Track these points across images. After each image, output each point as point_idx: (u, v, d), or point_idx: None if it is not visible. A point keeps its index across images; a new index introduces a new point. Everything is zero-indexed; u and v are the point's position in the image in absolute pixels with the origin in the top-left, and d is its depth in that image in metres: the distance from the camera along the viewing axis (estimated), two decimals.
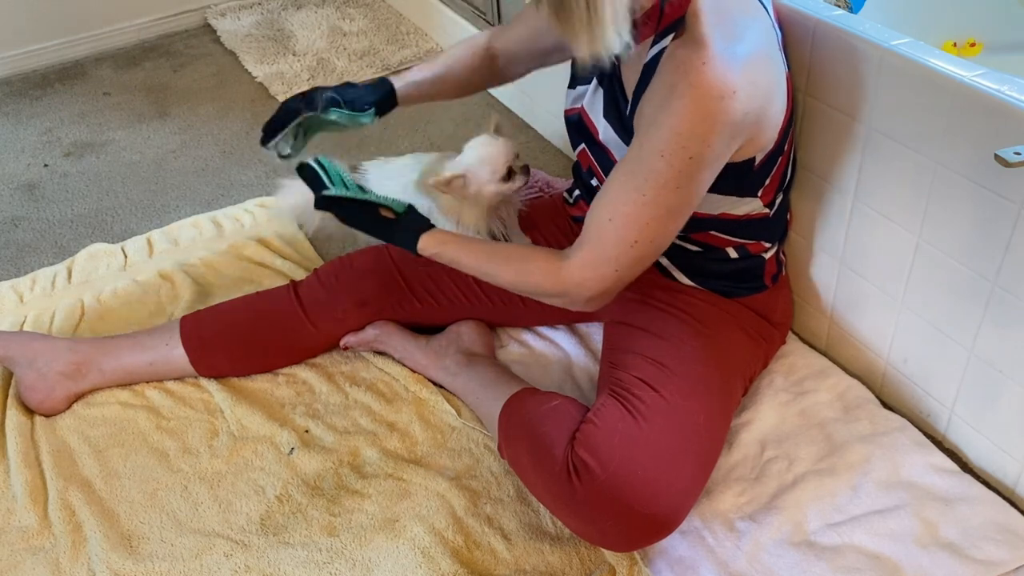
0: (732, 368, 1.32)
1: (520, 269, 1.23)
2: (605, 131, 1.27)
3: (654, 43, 1.14)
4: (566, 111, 1.36)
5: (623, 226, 1.13)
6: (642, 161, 1.11)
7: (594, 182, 1.36)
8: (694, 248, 1.32)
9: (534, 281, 1.22)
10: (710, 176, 1.12)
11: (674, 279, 1.36)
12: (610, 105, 1.25)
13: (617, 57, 1.21)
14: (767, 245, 1.35)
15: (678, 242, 1.31)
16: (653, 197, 1.11)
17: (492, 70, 1.49)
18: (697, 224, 1.26)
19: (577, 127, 1.34)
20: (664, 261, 1.34)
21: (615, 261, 1.16)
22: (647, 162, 1.10)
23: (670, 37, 1.11)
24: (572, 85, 1.34)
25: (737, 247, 1.32)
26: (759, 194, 1.25)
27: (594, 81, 1.27)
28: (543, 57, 1.44)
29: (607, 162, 1.28)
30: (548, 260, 1.21)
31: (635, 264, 1.17)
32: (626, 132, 1.23)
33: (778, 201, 1.30)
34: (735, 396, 1.34)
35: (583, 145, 1.34)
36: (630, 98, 1.20)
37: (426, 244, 1.28)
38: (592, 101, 1.29)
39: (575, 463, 1.16)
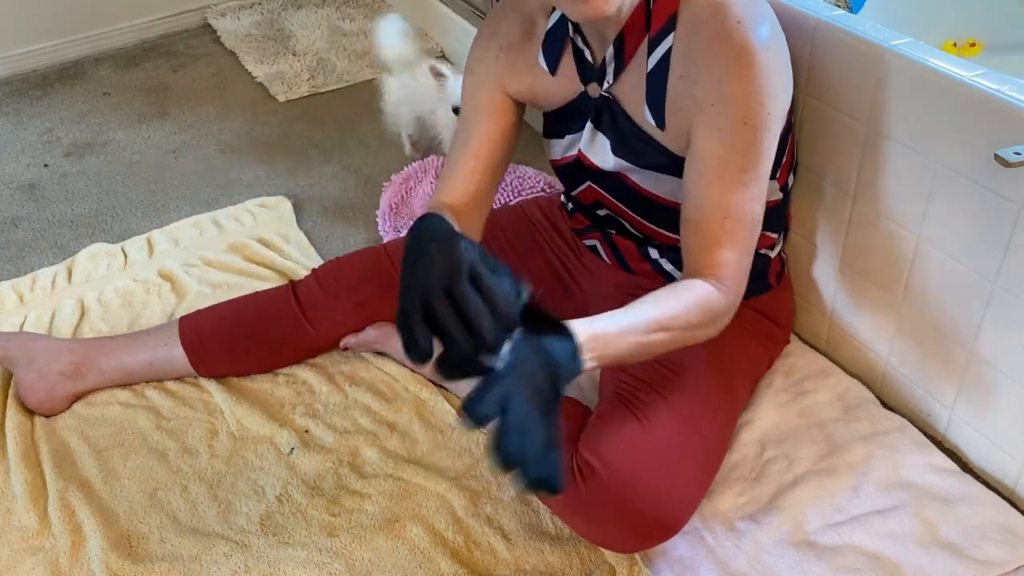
0: (737, 371, 1.32)
1: (711, 325, 1.10)
2: (617, 165, 1.24)
3: (651, 51, 1.13)
4: (556, 160, 1.32)
5: (746, 213, 1.10)
6: (731, 143, 1.08)
7: (601, 212, 1.34)
8: None
9: (722, 324, 1.12)
10: (778, 134, 1.12)
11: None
12: (618, 142, 1.22)
13: (611, 93, 1.20)
14: (773, 237, 1.34)
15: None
16: (754, 171, 1.09)
17: (480, 217, 1.30)
18: None
19: (576, 170, 1.30)
20: (668, 266, 1.33)
21: (749, 252, 1.13)
22: (736, 139, 1.07)
23: (671, 36, 1.11)
24: (558, 135, 1.30)
25: None
26: (776, 175, 1.25)
27: (588, 126, 1.24)
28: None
29: (623, 188, 1.26)
30: (711, 298, 1.09)
31: (756, 242, 1.14)
32: (638, 157, 1.21)
33: (790, 184, 1.30)
34: (740, 399, 1.33)
35: (588, 183, 1.30)
36: (644, 116, 1.17)
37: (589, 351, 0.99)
38: (592, 145, 1.25)
39: (579, 465, 1.16)
